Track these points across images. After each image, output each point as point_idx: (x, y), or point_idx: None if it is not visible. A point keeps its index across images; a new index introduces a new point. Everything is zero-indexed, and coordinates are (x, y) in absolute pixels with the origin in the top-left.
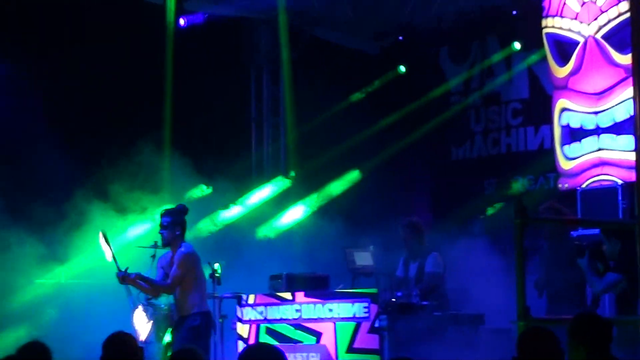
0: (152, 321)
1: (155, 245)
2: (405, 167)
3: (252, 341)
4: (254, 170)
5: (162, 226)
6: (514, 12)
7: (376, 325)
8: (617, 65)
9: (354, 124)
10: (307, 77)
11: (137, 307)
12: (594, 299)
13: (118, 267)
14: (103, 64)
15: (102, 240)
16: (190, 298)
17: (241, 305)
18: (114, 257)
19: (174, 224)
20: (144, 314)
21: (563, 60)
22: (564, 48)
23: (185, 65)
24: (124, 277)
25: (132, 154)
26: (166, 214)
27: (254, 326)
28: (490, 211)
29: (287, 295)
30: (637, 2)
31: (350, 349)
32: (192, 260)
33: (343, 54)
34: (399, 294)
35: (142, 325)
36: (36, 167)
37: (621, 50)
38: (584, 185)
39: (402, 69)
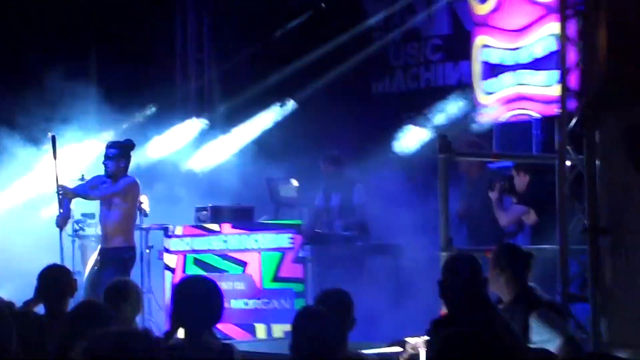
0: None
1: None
2: (328, 102)
3: (179, 271)
4: (178, 105)
5: (107, 157)
6: None
7: (300, 255)
8: (536, 3)
9: (277, 60)
10: (231, 15)
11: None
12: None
13: (57, 180)
14: None
15: (51, 145)
16: (123, 231)
17: (168, 237)
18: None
19: (120, 157)
20: None
21: None
22: None
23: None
24: (65, 192)
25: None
26: (112, 145)
27: (181, 256)
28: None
29: (214, 227)
30: None
31: (276, 278)
32: (134, 190)
33: None
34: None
35: None
36: None
37: None
38: (501, 119)
39: (323, 5)
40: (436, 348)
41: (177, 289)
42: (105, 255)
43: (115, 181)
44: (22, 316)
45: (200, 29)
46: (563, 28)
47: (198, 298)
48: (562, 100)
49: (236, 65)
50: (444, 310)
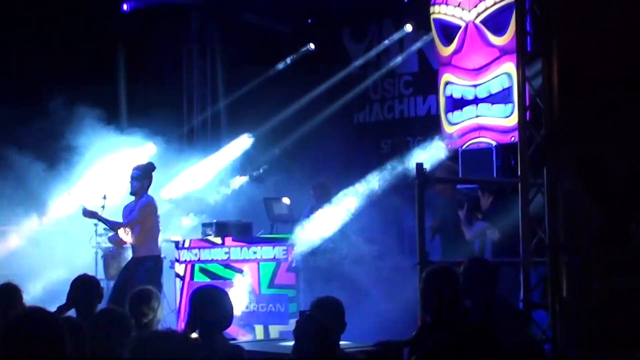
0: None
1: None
2: (315, 132)
3: (188, 278)
4: (185, 136)
5: (132, 177)
6: (406, 0)
7: (293, 265)
8: (492, 46)
9: (273, 94)
10: (230, 54)
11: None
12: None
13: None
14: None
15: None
16: (146, 242)
17: (178, 248)
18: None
19: (142, 177)
20: None
21: (447, 41)
22: (448, 31)
23: (127, 45)
24: (92, 213)
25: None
26: (137, 167)
27: (189, 266)
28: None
29: (218, 240)
30: None
31: (271, 285)
32: (150, 209)
33: (260, 33)
34: None
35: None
36: None
37: (496, 33)
38: (464, 147)
39: (312, 46)
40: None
41: (194, 296)
42: (133, 263)
43: (137, 199)
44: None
45: (204, 67)
46: (521, 69)
47: (212, 304)
48: (519, 131)
49: (238, 99)
50: (421, 318)
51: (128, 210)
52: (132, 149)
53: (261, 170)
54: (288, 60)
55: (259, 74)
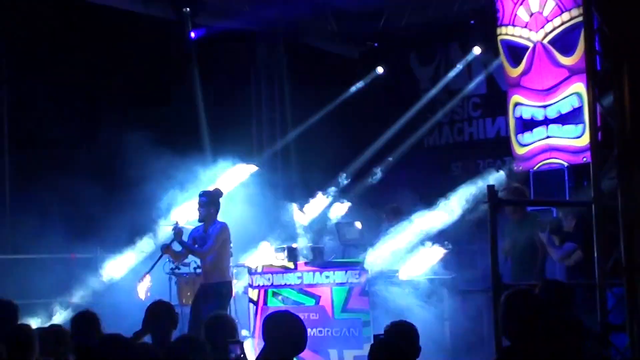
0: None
1: (176, 224)
2: (386, 155)
3: (261, 303)
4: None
5: (200, 204)
6: (472, 22)
7: (366, 289)
8: (561, 66)
9: (342, 116)
10: (298, 79)
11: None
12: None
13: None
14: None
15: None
16: (219, 268)
17: (251, 274)
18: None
19: (210, 204)
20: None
21: (515, 62)
22: (516, 52)
23: (199, 72)
24: (180, 231)
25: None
26: (203, 194)
27: (262, 291)
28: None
29: (290, 265)
30: (587, 11)
31: (345, 309)
32: (225, 236)
33: (328, 58)
34: None
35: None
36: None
37: (564, 53)
38: (535, 168)
39: (380, 70)
40: None
41: (268, 321)
42: (206, 290)
43: (207, 226)
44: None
45: (272, 93)
46: (591, 89)
47: (286, 330)
48: (592, 152)
49: (308, 127)
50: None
51: (198, 235)
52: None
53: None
54: (357, 84)
55: (327, 100)
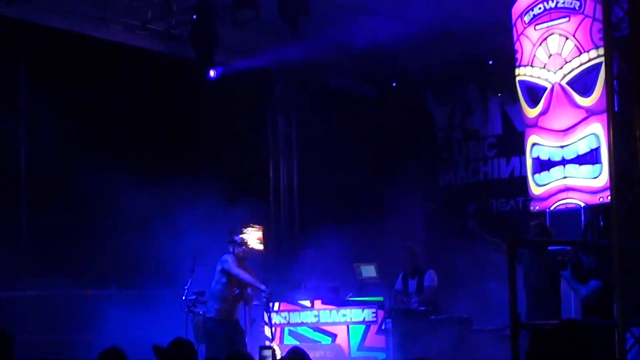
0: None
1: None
2: (401, 194)
3: (277, 342)
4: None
5: (232, 242)
6: (490, 62)
7: (383, 327)
8: (579, 106)
9: (357, 154)
10: (315, 117)
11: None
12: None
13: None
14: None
15: None
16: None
17: (268, 312)
18: None
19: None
20: None
21: (533, 103)
22: (534, 92)
23: (216, 110)
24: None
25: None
26: (237, 232)
27: (278, 329)
28: None
29: (307, 303)
30: (609, 53)
31: (361, 348)
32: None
33: (345, 97)
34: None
35: None
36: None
37: (582, 94)
38: (552, 208)
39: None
40: None
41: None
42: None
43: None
44: None
45: (289, 131)
46: (612, 130)
47: None
48: (611, 195)
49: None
50: None
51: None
52: None
53: None
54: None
55: (344, 137)
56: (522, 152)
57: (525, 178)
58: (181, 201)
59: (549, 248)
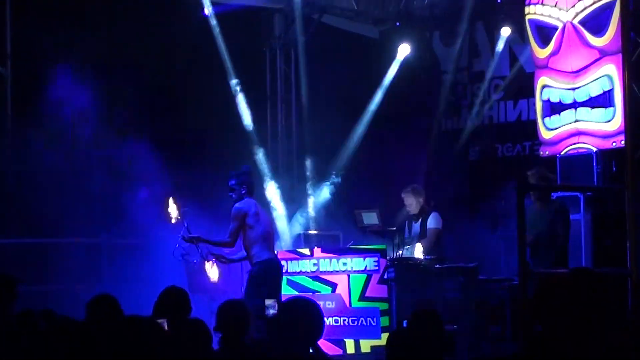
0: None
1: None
2: (403, 138)
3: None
4: (269, 144)
5: (230, 188)
6: (499, 0)
7: (385, 277)
8: (591, 47)
9: (357, 100)
10: (315, 59)
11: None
12: None
13: (188, 230)
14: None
15: (171, 204)
16: (251, 250)
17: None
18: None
19: (240, 184)
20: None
21: (544, 43)
22: (544, 32)
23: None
24: (192, 238)
25: None
26: (231, 176)
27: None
28: None
29: (306, 251)
30: None
31: (362, 297)
32: (240, 215)
33: (347, 37)
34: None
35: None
36: None
37: (595, 33)
38: (562, 153)
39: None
40: None
41: (284, 308)
42: (248, 275)
43: None
44: None
45: (288, 73)
46: (626, 71)
47: (303, 317)
48: (625, 137)
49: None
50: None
51: None
52: None
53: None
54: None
55: (344, 79)
56: (530, 95)
57: (533, 122)
58: (170, 143)
59: (555, 195)
